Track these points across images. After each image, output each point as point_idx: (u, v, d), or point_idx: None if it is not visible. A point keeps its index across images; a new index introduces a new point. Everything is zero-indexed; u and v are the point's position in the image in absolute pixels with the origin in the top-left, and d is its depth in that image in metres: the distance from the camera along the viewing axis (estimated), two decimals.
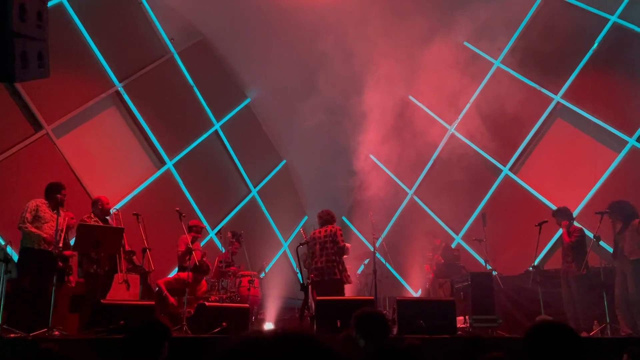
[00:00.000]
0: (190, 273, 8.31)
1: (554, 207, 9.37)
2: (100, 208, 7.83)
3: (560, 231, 8.51)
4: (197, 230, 9.23)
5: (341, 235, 8.34)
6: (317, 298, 7.50)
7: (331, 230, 8.31)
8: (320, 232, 8.40)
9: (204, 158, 12.13)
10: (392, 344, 2.90)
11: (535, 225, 8.40)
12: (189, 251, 8.28)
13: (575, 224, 8.61)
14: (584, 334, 7.39)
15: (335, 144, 11.41)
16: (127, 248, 8.04)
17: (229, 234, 9.82)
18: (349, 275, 8.40)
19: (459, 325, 7.50)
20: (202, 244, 10.82)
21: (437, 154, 12.55)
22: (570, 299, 8.01)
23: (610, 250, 8.34)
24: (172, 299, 8.42)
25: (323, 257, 8.17)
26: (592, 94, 10.55)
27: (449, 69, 11.14)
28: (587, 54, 10.85)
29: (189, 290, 7.96)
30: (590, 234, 8.49)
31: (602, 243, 8.16)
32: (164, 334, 3.17)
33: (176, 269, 9.24)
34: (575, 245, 8.10)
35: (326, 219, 8.52)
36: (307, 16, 11.18)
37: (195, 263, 8.37)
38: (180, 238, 8.83)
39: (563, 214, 8.40)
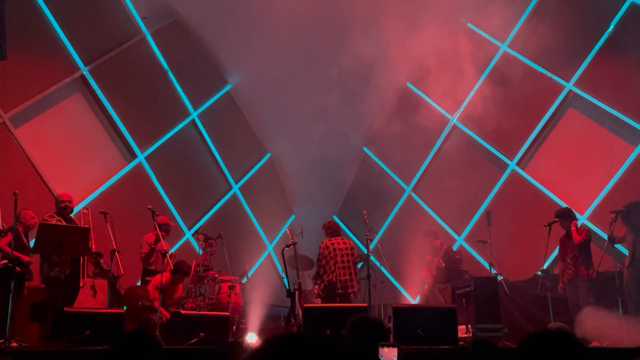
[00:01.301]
0: (167, 274, 8.27)
1: (565, 206, 9.44)
2: (62, 207, 7.78)
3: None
4: (165, 229, 9.13)
5: None
6: (305, 305, 7.51)
7: (349, 243, 8.89)
8: (339, 242, 8.80)
9: (180, 151, 12.07)
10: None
11: (545, 226, 8.46)
12: (154, 252, 8.28)
13: (584, 222, 8.69)
14: (594, 344, 7.46)
15: (325, 135, 11.40)
16: (94, 250, 7.99)
17: (201, 237, 9.79)
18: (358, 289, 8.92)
19: (460, 335, 7.54)
20: (177, 245, 10.81)
21: (437, 147, 12.59)
22: (578, 304, 8.06)
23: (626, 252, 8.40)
24: (166, 314, 8.06)
25: (346, 270, 8.60)
26: (607, 82, 10.62)
27: (451, 53, 11.16)
28: (602, 37, 10.90)
29: (163, 294, 7.93)
30: (604, 235, 8.57)
31: (617, 245, 8.24)
32: (153, 347, 3.15)
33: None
34: (586, 245, 8.17)
35: (336, 229, 9.07)
36: None
37: (175, 264, 8.37)
38: (144, 237, 8.79)
39: (569, 216, 8.46)
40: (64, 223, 7.60)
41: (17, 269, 7.23)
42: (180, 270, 8.43)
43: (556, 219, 8.45)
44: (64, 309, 6.65)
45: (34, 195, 9.05)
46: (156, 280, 8.22)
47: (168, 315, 7.90)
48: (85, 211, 8.19)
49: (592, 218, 10.21)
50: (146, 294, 8.34)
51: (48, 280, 7.39)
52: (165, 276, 8.22)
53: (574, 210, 8.80)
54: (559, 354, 2.21)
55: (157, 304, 7.75)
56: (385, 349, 2.97)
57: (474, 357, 4.04)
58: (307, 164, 12.66)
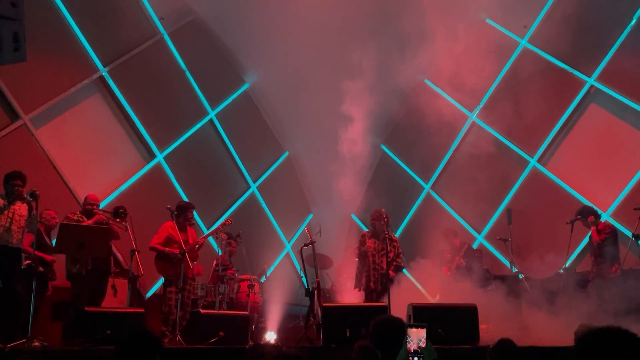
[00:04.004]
0: (170, 224, 8.26)
1: (587, 203, 9.33)
2: (88, 208, 7.87)
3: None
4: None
5: None
6: (324, 305, 7.49)
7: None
8: None
9: (198, 150, 12.12)
10: None
11: (567, 223, 8.37)
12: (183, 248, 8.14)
13: (607, 219, 8.57)
14: None
15: (343, 133, 11.38)
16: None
17: (224, 236, 9.80)
18: None
19: (482, 334, 7.46)
20: None
21: (456, 145, 12.49)
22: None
23: None
24: (174, 250, 8.07)
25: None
26: (630, 76, 10.43)
27: (469, 49, 11.05)
28: (624, 31, 10.72)
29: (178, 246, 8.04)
30: (628, 232, 8.44)
31: None
32: (155, 347, 3.19)
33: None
34: (606, 244, 8.07)
35: None
36: None
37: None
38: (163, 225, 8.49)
39: (587, 213, 8.37)
40: (86, 221, 7.67)
41: (40, 268, 7.32)
42: (182, 209, 8.33)
43: (578, 216, 8.37)
44: (85, 308, 6.70)
45: (55, 195, 9.14)
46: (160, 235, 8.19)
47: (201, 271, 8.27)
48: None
49: (615, 215, 10.05)
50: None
51: (71, 277, 7.48)
52: (169, 225, 8.19)
53: (594, 207, 8.71)
54: (621, 353, 2.11)
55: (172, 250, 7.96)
56: (414, 329, 2.96)
57: (495, 357, 3.97)
58: (325, 162, 12.62)
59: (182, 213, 8.37)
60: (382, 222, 8.66)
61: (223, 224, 8.96)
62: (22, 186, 6.90)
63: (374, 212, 9.03)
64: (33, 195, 6.75)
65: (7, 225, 6.82)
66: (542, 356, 5.88)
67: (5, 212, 6.87)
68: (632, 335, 2.14)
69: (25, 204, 6.90)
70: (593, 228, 8.19)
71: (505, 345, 3.92)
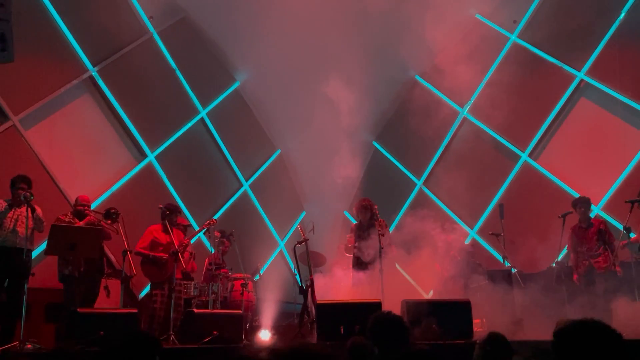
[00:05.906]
0: (157, 227, 8.29)
1: (578, 196, 9.38)
2: (79, 209, 7.84)
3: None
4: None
5: None
6: (318, 302, 7.49)
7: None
8: None
9: (190, 149, 12.07)
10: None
11: (559, 217, 8.43)
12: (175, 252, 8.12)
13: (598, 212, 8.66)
14: None
15: (335, 131, 11.38)
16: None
17: (217, 234, 9.78)
18: None
19: (475, 329, 7.48)
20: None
21: (447, 140, 12.51)
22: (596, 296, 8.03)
23: None
24: (160, 254, 8.12)
25: None
26: (619, 70, 10.50)
27: (460, 45, 11.08)
28: (613, 25, 10.78)
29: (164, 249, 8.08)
30: (619, 225, 8.49)
31: (632, 235, 8.18)
32: (155, 348, 3.17)
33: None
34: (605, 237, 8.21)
35: None
36: None
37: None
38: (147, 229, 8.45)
39: (587, 204, 8.44)
40: (77, 223, 7.64)
41: None
42: (166, 212, 8.26)
43: (570, 211, 8.43)
44: (78, 309, 6.68)
45: (45, 196, 9.06)
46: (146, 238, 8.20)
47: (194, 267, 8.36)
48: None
49: (606, 208, 10.12)
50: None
51: (64, 279, 7.44)
52: (153, 229, 8.21)
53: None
54: (596, 344, 2.11)
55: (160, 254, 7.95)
56: None
57: (486, 351, 3.94)
58: (317, 159, 12.62)
59: (167, 216, 8.33)
60: (368, 213, 8.61)
61: (208, 224, 8.91)
62: (27, 189, 6.99)
63: (356, 203, 8.99)
64: (25, 196, 6.83)
65: (11, 227, 6.93)
66: (535, 350, 5.88)
67: (9, 214, 6.93)
68: (606, 327, 2.15)
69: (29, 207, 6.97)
70: (601, 222, 8.30)
71: (494, 339, 3.86)
